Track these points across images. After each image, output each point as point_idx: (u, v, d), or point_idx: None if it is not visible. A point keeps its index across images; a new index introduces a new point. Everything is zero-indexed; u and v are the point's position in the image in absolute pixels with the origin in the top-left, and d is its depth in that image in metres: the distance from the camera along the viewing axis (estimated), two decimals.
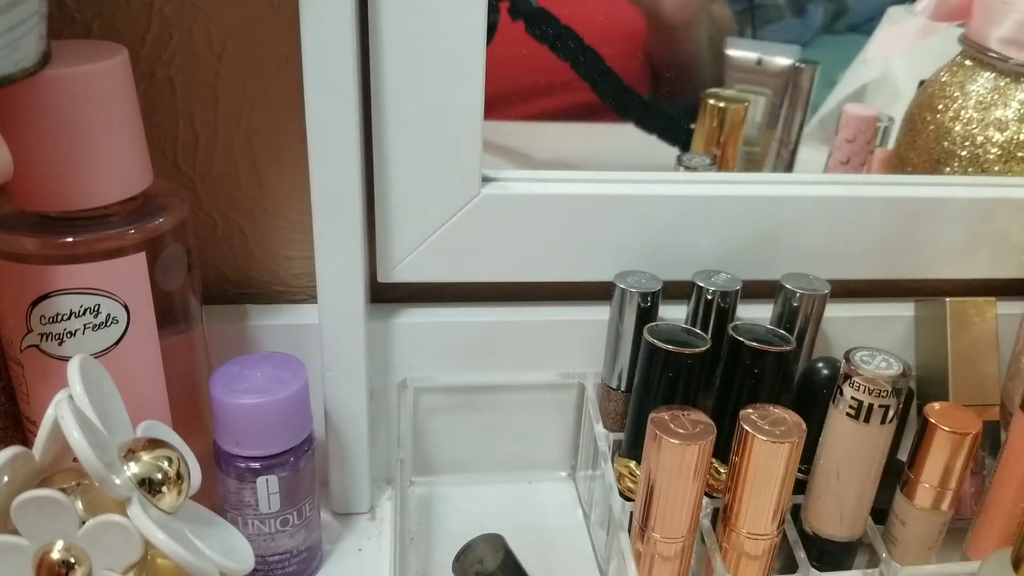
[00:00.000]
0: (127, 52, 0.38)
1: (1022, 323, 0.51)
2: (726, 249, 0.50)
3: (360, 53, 0.41)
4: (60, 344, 0.39)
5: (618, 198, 0.48)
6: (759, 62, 0.61)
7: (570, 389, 0.54)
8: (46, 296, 0.38)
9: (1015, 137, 0.54)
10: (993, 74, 0.55)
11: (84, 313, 0.39)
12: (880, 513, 0.45)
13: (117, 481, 0.33)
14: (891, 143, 0.62)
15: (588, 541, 0.52)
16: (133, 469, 0.34)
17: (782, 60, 0.61)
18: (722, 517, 0.43)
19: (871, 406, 0.41)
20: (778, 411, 0.42)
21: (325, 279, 0.45)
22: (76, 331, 0.39)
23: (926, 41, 0.60)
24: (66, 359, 0.36)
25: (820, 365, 0.46)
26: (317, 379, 0.47)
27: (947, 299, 0.51)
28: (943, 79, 0.57)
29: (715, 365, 0.46)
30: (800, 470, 0.42)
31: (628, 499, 0.45)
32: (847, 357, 0.41)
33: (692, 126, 0.61)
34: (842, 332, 0.53)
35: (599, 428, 0.49)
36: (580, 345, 0.52)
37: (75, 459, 0.32)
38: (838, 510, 0.44)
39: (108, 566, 0.33)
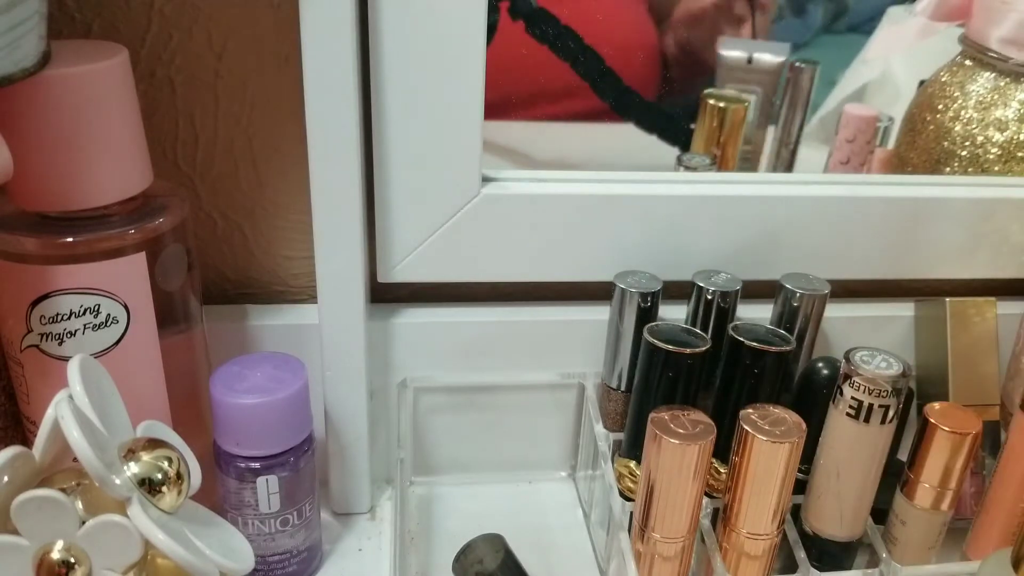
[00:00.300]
0: (127, 52, 0.38)
1: (1022, 323, 0.51)
2: (726, 249, 0.50)
3: (360, 53, 0.41)
4: (60, 344, 0.39)
5: (618, 198, 0.48)
6: (750, 60, 0.61)
7: (570, 389, 0.54)
8: (46, 296, 0.38)
9: (1015, 137, 0.54)
10: (993, 74, 0.55)
11: (84, 313, 0.39)
12: (880, 513, 0.45)
13: (117, 481, 0.33)
14: (891, 143, 0.62)
15: (588, 541, 0.52)
16: (133, 469, 0.34)
17: (773, 58, 0.61)
18: (722, 517, 0.43)
19: (871, 406, 0.41)
20: (778, 411, 0.42)
21: (325, 279, 0.45)
22: (76, 331, 0.39)
23: (926, 41, 0.60)
24: (66, 359, 0.36)
25: (820, 365, 0.46)
26: (317, 379, 0.47)
27: (947, 299, 0.51)
28: (943, 79, 0.57)
29: (715, 365, 0.46)
30: (800, 470, 0.42)
31: (628, 499, 0.45)
32: (847, 357, 0.41)
33: (692, 126, 0.61)
34: (842, 332, 0.53)
35: (599, 428, 0.49)
36: (580, 345, 0.52)
37: (75, 459, 0.32)
38: (838, 510, 0.44)
39: (108, 566, 0.33)
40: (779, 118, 0.62)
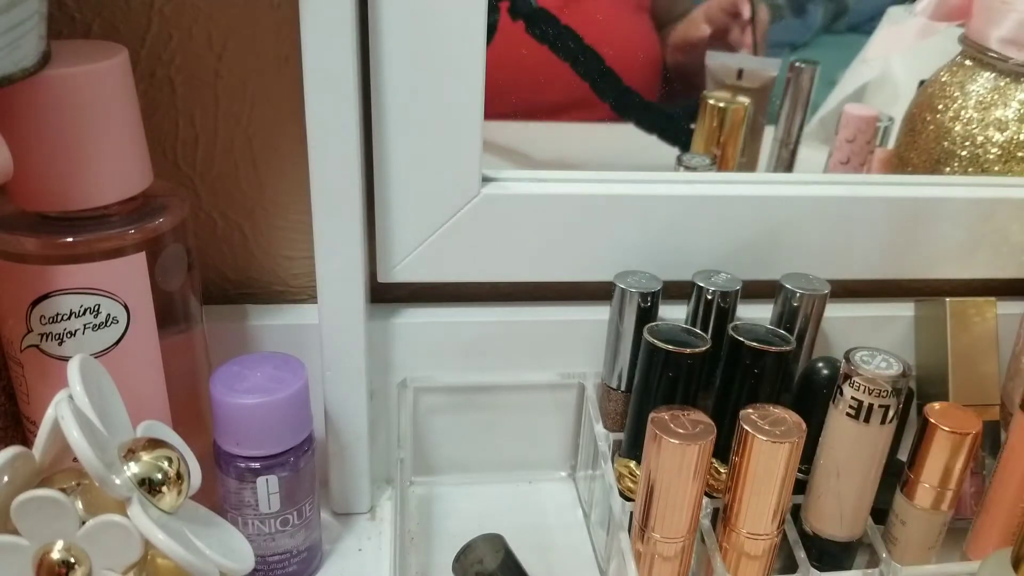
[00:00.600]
0: (127, 52, 0.38)
1: (1022, 323, 0.51)
2: (726, 249, 0.50)
3: (360, 53, 0.41)
4: (60, 344, 0.39)
5: (618, 198, 0.48)
6: (740, 75, 0.61)
7: (570, 389, 0.54)
8: (46, 296, 0.38)
9: (1015, 137, 0.54)
10: (993, 74, 0.55)
11: (84, 313, 0.39)
12: (880, 513, 0.45)
13: (117, 481, 0.33)
14: (891, 143, 0.62)
15: (588, 541, 0.52)
16: (133, 469, 0.34)
17: (763, 73, 0.61)
18: (722, 517, 0.43)
19: (871, 406, 0.41)
20: (778, 411, 0.42)
21: (325, 279, 0.45)
22: (76, 331, 0.39)
23: (926, 41, 0.60)
24: (66, 359, 0.36)
25: (820, 365, 0.46)
26: (317, 379, 0.47)
27: (947, 299, 0.51)
28: (943, 79, 0.57)
29: (715, 365, 0.46)
30: (800, 470, 0.42)
31: (628, 499, 0.45)
32: (847, 357, 0.41)
33: (692, 126, 0.61)
34: (842, 332, 0.53)
35: (599, 428, 0.49)
36: (580, 345, 0.52)
37: (75, 459, 0.32)
38: (838, 510, 0.44)
39: (108, 566, 0.33)
40: (779, 118, 0.62)
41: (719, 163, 0.61)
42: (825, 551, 0.45)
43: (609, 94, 0.59)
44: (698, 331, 0.45)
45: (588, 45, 0.58)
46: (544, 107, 0.61)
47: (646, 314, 0.47)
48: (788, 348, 0.44)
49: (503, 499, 0.55)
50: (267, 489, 0.44)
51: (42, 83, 0.35)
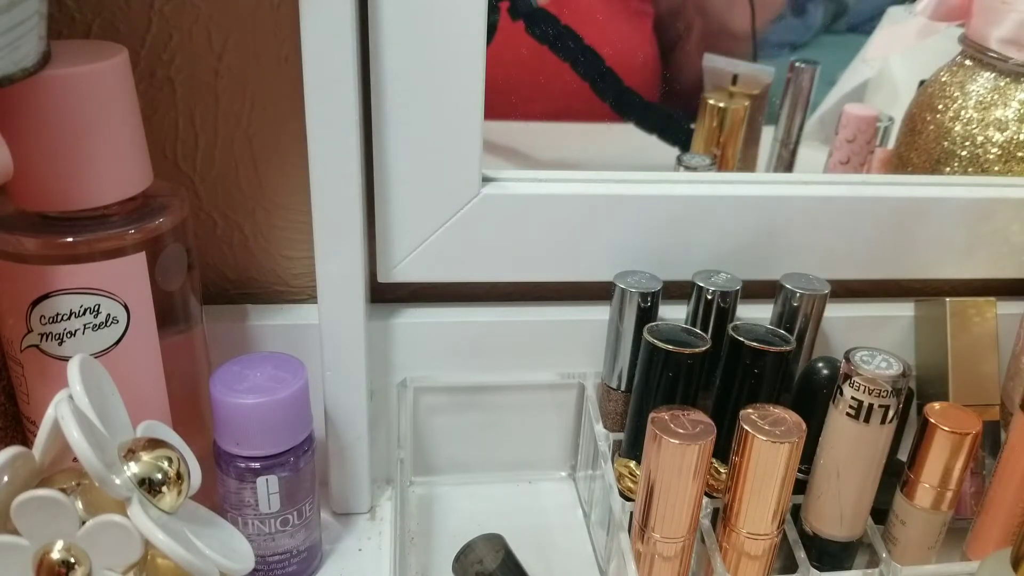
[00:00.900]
0: (127, 52, 0.38)
1: (1022, 323, 0.51)
2: (726, 249, 0.50)
3: (360, 53, 0.41)
4: (60, 344, 0.39)
5: (618, 198, 0.48)
6: (735, 80, 0.61)
7: (570, 389, 0.54)
8: (46, 296, 0.38)
9: (1015, 137, 0.54)
10: (993, 74, 0.55)
11: (84, 313, 0.39)
12: (880, 513, 0.46)
13: (117, 481, 0.33)
14: (891, 143, 0.62)
15: (588, 541, 0.52)
16: (133, 469, 0.34)
17: (759, 79, 0.61)
18: (722, 517, 0.43)
19: (871, 406, 0.41)
20: (778, 411, 0.42)
21: (325, 279, 0.45)
22: (76, 331, 0.39)
23: (926, 41, 0.60)
24: (66, 359, 0.36)
25: (820, 365, 0.46)
26: (317, 379, 0.47)
27: (947, 299, 0.51)
28: (943, 79, 0.57)
29: (715, 365, 0.46)
30: (800, 470, 0.42)
31: (628, 499, 0.45)
32: (847, 357, 0.41)
33: (692, 126, 0.61)
34: (842, 332, 0.53)
35: (599, 428, 0.49)
36: (580, 345, 0.52)
37: (75, 459, 0.32)
38: (838, 510, 0.44)
39: (108, 566, 0.33)
40: (779, 118, 0.62)
41: (719, 163, 0.61)
42: (825, 551, 0.45)
43: (609, 94, 0.59)
44: (698, 331, 0.45)
45: (588, 45, 0.58)
46: (544, 107, 0.60)
47: (646, 314, 0.47)
48: (788, 348, 0.44)
49: (503, 499, 0.55)
50: (267, 489, 0.44)
51: (42, 83, 0.35)
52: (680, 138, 0.61)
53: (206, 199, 0.48)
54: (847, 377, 0.41)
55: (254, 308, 0.50)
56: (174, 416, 0.43)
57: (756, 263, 0.51)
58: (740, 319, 0.48)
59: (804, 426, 0.41)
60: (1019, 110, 0.54)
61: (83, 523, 0.33)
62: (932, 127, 0.56)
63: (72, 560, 0.33)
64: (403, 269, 0.48)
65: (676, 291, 0.49)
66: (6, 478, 0.33)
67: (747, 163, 0.62)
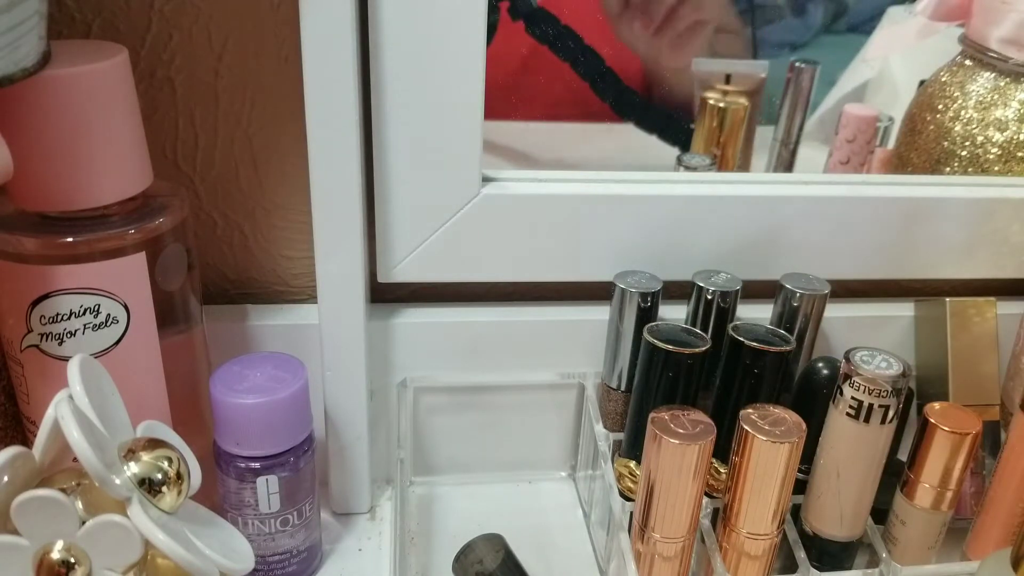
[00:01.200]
0: (127, 52, 0.38)
1: (1022, 323, 0.51)
2: (726, 249, 0.50)
3: (360, 53, 0.41)
4: (60, 344, 0.39)
5: (618, 198, 0.48)
6: (728, 79, 0.61)
7: (570, 389, 0.54)
8: (46, 296, 0.38)
9: (1015, 137, 0.54)
10: (993, 74, 0.55)
11: (84, 313, 0.39)
12: (880, 513, 0.46)
13: (117, 481, 0.33)
14: (891, 143, 0.62)
15: (588, 541, 0.52)
16: (133, 469, 0.34)
17: (753, 75, 0.61)
18: (722, 517, 0.43)
19: (871, 406, 0.41)
20: (778, 411, 0.42)
21: (325, 279, 0.45)
22: (76, 331, 0.39)
23: (926, 41, 0.60)
24: (66, 359, 0.36)
25: (820, 365, 0.46)
26: (317, 379, 0.47)
27: (947, 299, 0.51)
28: (943, 79, 0.57)
29: (715, 365, 0.46)
30: (800, 470, 0.42)
31: (628, 499, 0.45)
32: (847, 357, 0.41)
33: (692, 126, 0.61)
34: (842, 332, 0.53)
35: (599, 428, 0.49)
36: (580, 345, 0.52)
37: (75, 459, 0.32)
38: (838, 510, 0.44)
39: (108, 566, 0.33)
40: (779, 118, 0.62)
41: (719, 163, 0.61)
42: (825, 551, 0.45)
43: (609, 94, 0.59)
44: (698, 331, 0.45)
45: (588, 45, 0.58)
46: (544, 107, 0.60)
47: (646, 314, 0.47)
48: (788, 348, 0.44)
49: (503, 499, 0.55)
50: (267, 489, 0.44)
51: (42, 83, 0.35)
52: (680, 138, 0.61)
53: (206, 199, 0.48)
54: (847, 377, 0.41)
55: (254, 308, 0.50)
56: (174, 416, 0.43)
57: (756, 263, 0.51)
58: (740, 319, 0.48)
59: (804, 426, 0.41)
60: (1019, 110, 0.54)
61: (83, 523, 0.33)
62: (932, 127, 0.56)
63: (72, 560, 0.33)
64: (403, 269, 0.48)
65: (676, 291, 0.49)
66: (6, 478, 0.33)
67: (744, 161, 0.62)
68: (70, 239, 0.38)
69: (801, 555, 0.44)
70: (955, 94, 0.56)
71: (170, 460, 0.35)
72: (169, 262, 0.41)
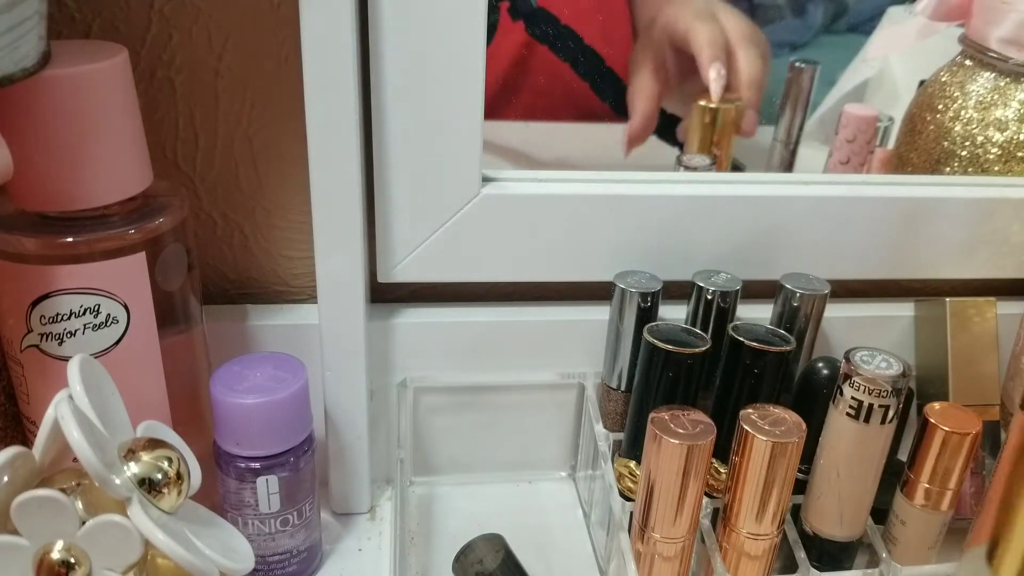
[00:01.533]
0: (127, 52, 0.38)
1: (1022, 323, 0.51)
2: (726, 249, 0.50)
3: (360, 53, 0.41)
4: (60, 344, 0.39)
5: (618, 198, 0.48)
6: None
7: (570, 389, 0.54)
8: (46, 296, 0.38)
9: (1015, 137, 0.54)
10: (993, 74, 0.55)
11: (84, 313, 0.39)
12: (880, 513, 0.45)
13: (117, 481, 0.33)
14: (891, 143, 0.62)
15: (588, 541, 0.52)
16: (133, 469, 0.34)
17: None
18: (722, 517, 0.43)
19: (871, 406, 0.41)
20: (778, 411, 0.42)
21: (325, 279, 0.45)
22: (76, 331, 0.39)
23: (926, 41, 0.60)
24: (66, 359, 0.36)
25: (820, 365, 0.46)
26: (317, 379, 0.47)
27: (947, 299, 0.51)
28: (943, 79, 0.57)
29: (715, 365, 0.46)
30: (800, 470, 0.42)
31: (628, 499, 0.45)
32: (847, 357, 0.41)
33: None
34: (842, 332, 0.53)
35: (599, 428, 0.49)
36: (580, 345, 0.52)
37: (75, 459, 0.32)
38: (838, 510, 0.44)
39: (108, 566, 0.33)
40: (779, 118, 0.62)
41: (718, 163, 0.61)
42: (825, 551, 0.45)
43: (609, 94, 0.59)
44: (698, 331, 0.45)
45: (588, 45, 0.58)
46: (544, 107, 0.60)
47: (646, 314, 0.47)
48: (788, 348, 0.44)
49: (503, 499, 0.55)
50: (267, 489, 0.44)
51: (42, 83, 0.35)
52: (679, 138, 0.61)
53: (206, 199, 0.48)
54: (847, 377, 0.41)
55: (254, 308, 0.50)
56: (174, 416, 0.43)
57: (756, 263, 0.51)
58: (740, 319, 0.48)
59: (804, 426, 0.41)
60: (1019, 110, 0.54)
61: (83, 523, 0.33)
62: (932, 127, 0.56)
63: (72, 560, 0.33)
64: (403, 269, 0.48)
65: (676, 291, 0.49)
66: (6, 478, 0.33)
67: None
68: (70, 239, 0.38)
69: (801, 555, 0.44)
70: (955, 94, 0.56)
71: (170, 460, 0.35)
72: (169, 262, 0.41)
